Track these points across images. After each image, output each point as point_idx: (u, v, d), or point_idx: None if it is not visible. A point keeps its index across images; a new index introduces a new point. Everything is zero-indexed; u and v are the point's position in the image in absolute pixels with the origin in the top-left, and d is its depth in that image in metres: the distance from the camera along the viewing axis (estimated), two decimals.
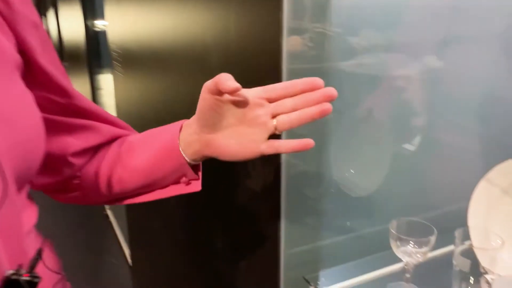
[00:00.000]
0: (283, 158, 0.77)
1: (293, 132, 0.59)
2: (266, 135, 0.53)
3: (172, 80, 1.18)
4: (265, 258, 0.87)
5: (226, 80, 0.49)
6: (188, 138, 0.56)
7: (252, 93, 0.53)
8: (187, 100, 1.09)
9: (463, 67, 0.94)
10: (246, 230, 0.94)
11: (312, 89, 0.51)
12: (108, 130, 0.61)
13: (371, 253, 0.90)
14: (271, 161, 0.77)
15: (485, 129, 0.97)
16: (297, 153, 0.71)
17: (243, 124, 0.53)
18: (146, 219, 1.59)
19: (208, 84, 0.52)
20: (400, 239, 0.73)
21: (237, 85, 0.48)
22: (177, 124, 0.59)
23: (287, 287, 0.85)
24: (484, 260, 0.70)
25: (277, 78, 0.70)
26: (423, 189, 0.99)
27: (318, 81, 0.51)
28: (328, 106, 0.51)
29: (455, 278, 0.73)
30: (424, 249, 0.72)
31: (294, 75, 0.70)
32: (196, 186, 0.61)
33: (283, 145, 0.53)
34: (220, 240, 1.07)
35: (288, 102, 0.52)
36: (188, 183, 0.61)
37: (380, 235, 0.97)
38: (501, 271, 0.68)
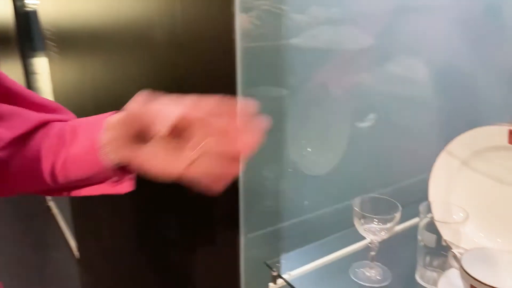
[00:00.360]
0: None
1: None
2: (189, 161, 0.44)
3: (113, 60, 1.09)
4: (224, 244, 0.83)
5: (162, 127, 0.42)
6: (115, 142, 0.48)
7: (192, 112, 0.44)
8: (131, 83, 1.01)
9: (417, 38, 0.93)
10: (202, 215, 0.88)
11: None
12: (36, 116, 0.52)
13: (333, 233, 0.87)
14: None
15: (445, 101, 0.96)
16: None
17: (173, 141, 0.45)
18: (93, 208, 1.50)
19: (137, 110, 0.45)
20: (364, 217, 0.71)
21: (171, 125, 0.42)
22: (99, 122, 0.50)
23: (248, 273, 0.81)
24: (446, 234, 0.69)
25: (230, 58, 0.65)
26: (383, 164, 0.98)
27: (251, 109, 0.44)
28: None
29: (420, 253, 0.72)
30: (389, 225, 0.70)
31: (248, 53, 0.66)
32: (126, 187, 0.53)
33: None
34: (175, 226, 1.01)
35: (211, 146, 0.44)
36: (118, 183, 0.52)
37: (341, 214, 0.95)
38: (464, 244, 0.68)
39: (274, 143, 0.85)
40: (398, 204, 0.71)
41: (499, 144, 0.73)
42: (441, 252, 0.71)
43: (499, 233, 0.73)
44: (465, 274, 0.56)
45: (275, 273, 0.75)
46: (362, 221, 0.71)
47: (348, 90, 0.94)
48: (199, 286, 0.99)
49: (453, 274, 0.65)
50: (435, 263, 0.71)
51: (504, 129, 0.71)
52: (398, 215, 0.70)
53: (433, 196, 0.79)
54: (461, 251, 0.62)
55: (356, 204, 0.72)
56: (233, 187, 0.75)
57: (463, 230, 0.68)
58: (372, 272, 0.75)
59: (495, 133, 0.73)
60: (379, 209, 0.71)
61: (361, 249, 0.81)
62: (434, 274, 0.71)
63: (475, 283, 0.55)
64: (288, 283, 0.74)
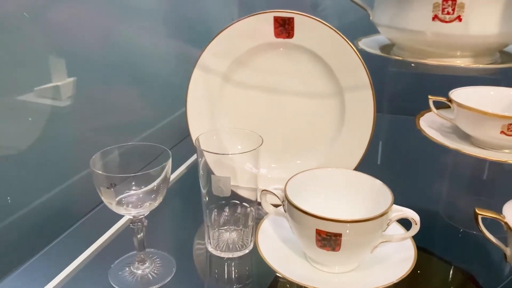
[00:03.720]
0: None
1: None
2: None
3: None
4: None
5: None
6: None
7: None
8: None
9: None
10: None
11: None
12: None
13: (63, 232, 0.54)
14: None
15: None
16: None
17: None
18: None
19: None
20: (113, 184, 0.41)
21: None
22: None
23: None
24: (221, 173, 0.46)
25: None
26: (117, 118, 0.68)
27: None
28: None
29: (206, 210, 0.48)
30: (157, 183, 0.43)
31: None
32: None
33: None
34: None
35: None
36: None
37: (70, 196, 0.62)
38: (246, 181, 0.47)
39: None
40: (167, 150, 0.44)
41: (263, 41, 0.54)
42: (233, 202, 0.49)
43: (294, 154, 0.56)
44: (307, 216, 0.35)
45: None
46: (112, 190, 0.41)
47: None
48: None
49: (271, 223, 0.44)
50: (230, 218, 0.49)
51: (267, 18, 0.53)
52: (168, 165, 0.43)
53: (195, 126, 0.56)
54: (277, 186, 0.41)
55: (96, 164, 0.41)
56: None
57: (245, 166, 0.47)
58: (144, 268, 0.47)
59: (253, 27, 0.54)
60: (134, 164, 0.43)
61: (122, 235, 0.52)
62: (234, 235, 0.49)
63: (324, 225, 0.35)
64: None
